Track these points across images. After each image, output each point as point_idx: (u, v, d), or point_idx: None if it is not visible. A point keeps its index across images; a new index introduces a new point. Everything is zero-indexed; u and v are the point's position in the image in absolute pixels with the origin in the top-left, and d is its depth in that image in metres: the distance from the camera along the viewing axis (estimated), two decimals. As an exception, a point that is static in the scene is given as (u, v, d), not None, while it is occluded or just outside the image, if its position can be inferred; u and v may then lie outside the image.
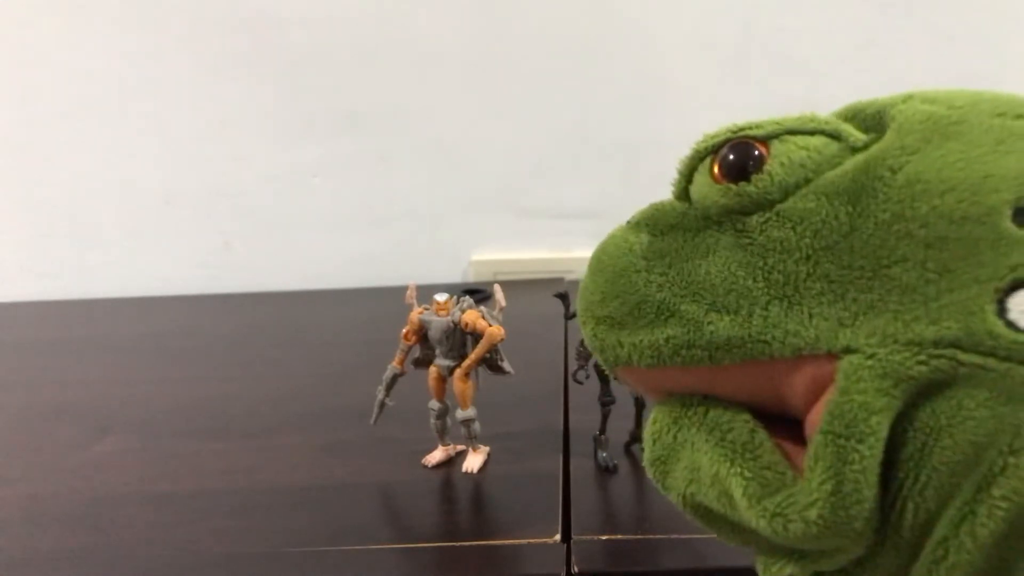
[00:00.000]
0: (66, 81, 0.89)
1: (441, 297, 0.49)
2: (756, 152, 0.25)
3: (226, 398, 0.65)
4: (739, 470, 0.24)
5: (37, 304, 0.94)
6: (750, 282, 0.25)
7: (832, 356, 0.23)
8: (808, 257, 0.24)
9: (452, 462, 0.52)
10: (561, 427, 0.55)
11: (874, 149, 0.24)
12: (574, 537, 0.43)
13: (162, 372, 0.72)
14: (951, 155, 0.22)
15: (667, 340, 0.26)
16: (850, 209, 0.23)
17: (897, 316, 0.22)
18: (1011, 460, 0.20)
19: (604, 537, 0.43)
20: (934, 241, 0.22)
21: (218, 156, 0.91)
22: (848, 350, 0.22)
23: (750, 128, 0.26)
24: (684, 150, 0.28)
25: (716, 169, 0.26)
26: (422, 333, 0.50)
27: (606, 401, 0.50)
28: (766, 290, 0.24)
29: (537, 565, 0.42)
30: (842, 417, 0.21)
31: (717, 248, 0.26)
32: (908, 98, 0.25)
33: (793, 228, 0.24)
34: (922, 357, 0.21)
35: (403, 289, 0.50)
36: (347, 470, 0.52)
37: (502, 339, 0.47)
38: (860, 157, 0.24)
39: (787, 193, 0.25)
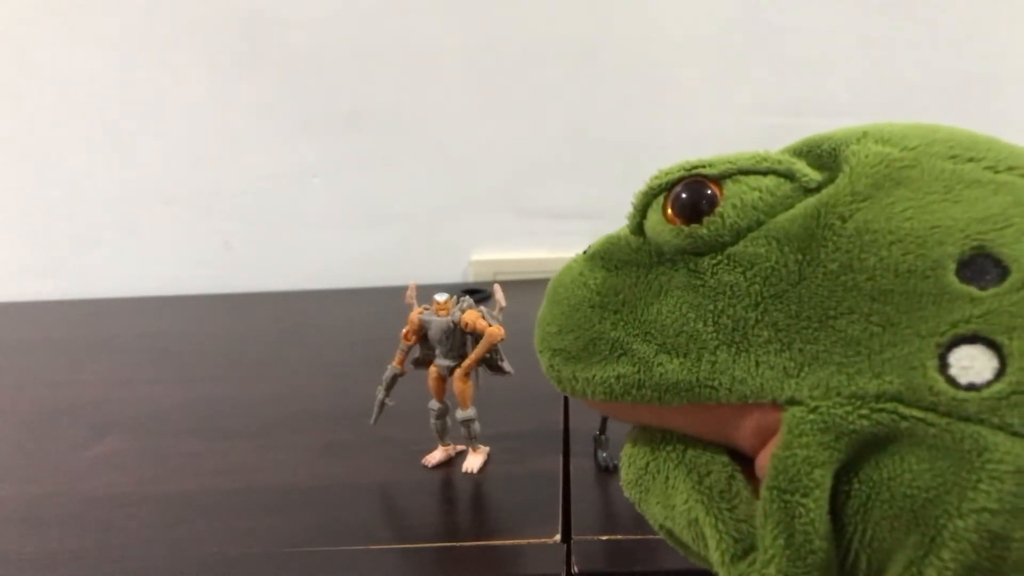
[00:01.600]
0: (66, 81, 0.89)
1: (441, 297, 0.49)
2: (709, 192, 0.25)
3: (226, 398, 0.65)
4: (714, 521, 0.24)
5: (37, 304, 0.94)
6: (700, 325, 0.25)
7: (777, 406, 0.23)
8: (757, 304, 0.24)
9: (452, 462, 0.52)
10: (561, 427, 0.55)
11: (825, 194, 0.24)
12: (574, 537, 0.43)
13: (162, 372, 0.72)
14: (900, 203, 0.22)
15: (618, 378, 0.26)
16: (799, 257, 0.23)
17: (841, 369, 0.22)
18: (959, 524, 0.20)
19: (604, 537, 0.43)
20: (879, 295, 0.22)
21: (218, 156, 0.91)
22: (792, 401, 0.22)
23: (703, 166, 0.25)
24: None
25: (669, 209, 0.26)
26: (422, 333, 0.50)
27: (606, 401, 0.50)
28: (715, 335, 0.24)
29: (537, 565, 0.42)
30: (786, 472, 0.22)
31: (670, 287, 0.26)
32: (862, 136, 0.25)
33: (743, 273, 0.24)
34: (864, 411, 0.21)
35: (403, 289, 0.50)
36: (347, 470, 0.52)
37: (502, 339, 0.47)
38: (811, 201, 0.24)
39: (739, 236, 0.25)
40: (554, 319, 0.29)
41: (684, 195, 0.25)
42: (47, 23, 0.87)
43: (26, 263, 0.96)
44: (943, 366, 0.20)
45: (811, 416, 0.22)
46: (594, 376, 0.27)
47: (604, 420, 0.50)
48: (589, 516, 0.45)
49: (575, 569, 0.41)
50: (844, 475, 0.22)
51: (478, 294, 0.82)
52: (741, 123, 0.86)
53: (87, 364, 0.76)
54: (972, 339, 0.20)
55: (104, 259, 0.96)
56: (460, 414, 0.49)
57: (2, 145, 0.92)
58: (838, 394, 0.22)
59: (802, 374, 0.23)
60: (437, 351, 0.49)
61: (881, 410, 0.21)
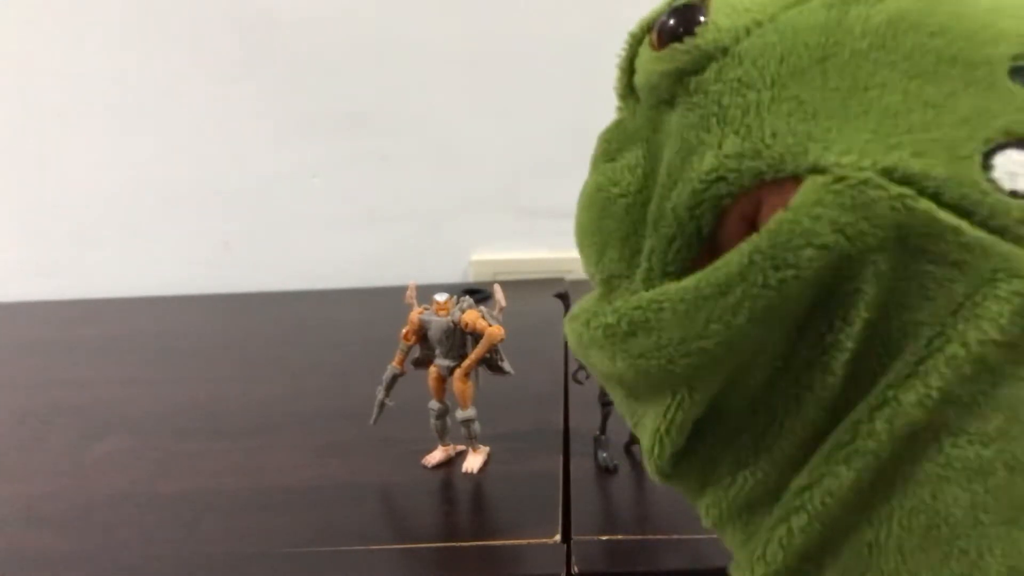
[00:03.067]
0: (66, 81, 0.89)
1: (441, 297, 0.49)
2: (692, 10, 0.22)
3: (226, 398, 0.65)
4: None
5: (37, 304, 0.94)
6: (703, 134, 0.21)
7: (798, 180, 0.19)
8: (773, 83, 0.20)
9: (452, 462, 0.52)
10: (561, 427, 0.55)
11: None
12: (574, 537, 0.43)
13: (162, 372, 0.72)
14: (944, 4, 0.20)
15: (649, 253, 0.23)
16: (821, 39, 0.20)
17: (878, 137, 0.18)
18: (957, 351, 0.18)
19: (604, 537, 0.43)
20: (919, 73, 0.19)
21: (218, 156, 0.91)
22: (816, 169, 0.19)
23: None
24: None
25: (656, 41, 0.23)
26: (422, 333, 0.50)
27: (606, 401, 0.50)
28: (720, 131, 0.21)
29: (537, 565, 0.42)
30: (773, 236, 0.18)
31: (672, 129, 0.23)
32: None
33: (753, 62, 0.21)
34: (898, 195, 0.18)
35: (403, 289, 0.50)
36: (347, 470, 0.52)
37: (502, 339, 0.47)
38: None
39: (738, 38, 0.21)
40: (592, 252, 0.25)
41: (670, 21, 0.22)
42: (47, 23, 0.87)
43: (26, 263, 0.96)
44: (987, 167, 0.18)
45: (835, 185, 0.18)
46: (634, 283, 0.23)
47: (604, 420, 0.50)
48: (589, 516, 0.45)
49: (575, 569, 0.41)
50: (855, 261, 0.18)
51: (478, 294, 0.82)
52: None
53: (87, 364, 0.76)
54: (1022, 144, 0.18)
55: (104, 259, 0.96)
56: (460, 414, 0.49)
57: (2, 145, 0.92)
58: (873, 165, 0.18)
59: (831, 137, 0.19)
60: (437, 351, 0.49)
61: (916, 203, 0.18)
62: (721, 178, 0.20)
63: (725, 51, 0.21)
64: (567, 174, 0.94)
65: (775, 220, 0.18)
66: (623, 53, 0.25)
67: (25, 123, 0.91)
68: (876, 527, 0.19)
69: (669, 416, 0.22)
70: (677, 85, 0.22)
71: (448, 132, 0.89)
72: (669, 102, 0.23)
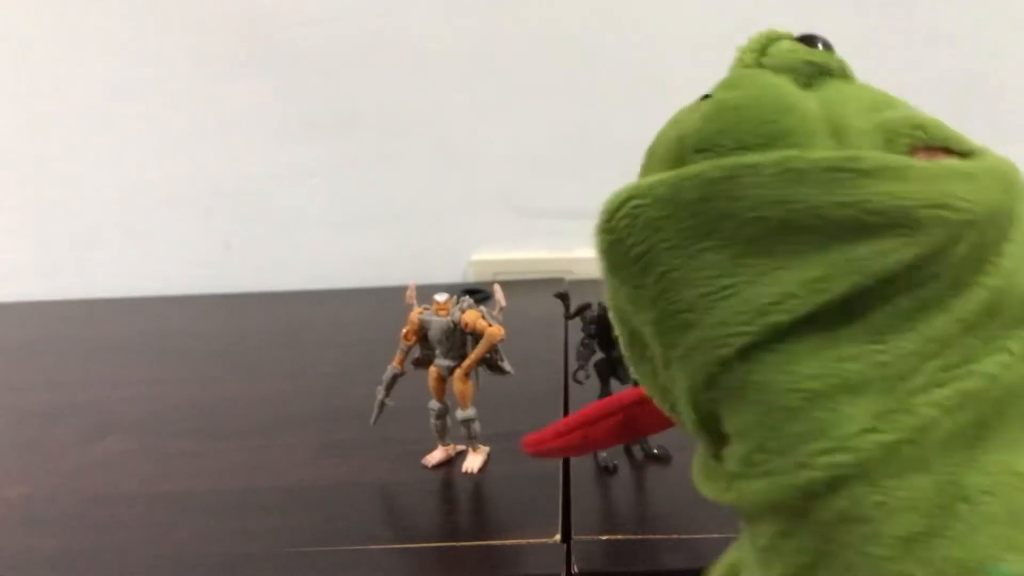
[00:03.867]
0: (66, 81, 0.89)
1: (441, 297, 0.49)
2: (827, 45, 0.29)
3: (226, 398, 0.65)
4: None
5: (37, 304, 0.94)
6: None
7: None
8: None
9: (452, 462, 0.52)
10: (561, 427, 0.55)
11: None
12: (574, 537, 0.43)
13: (162, 372, 0.72)
14: None
15: None
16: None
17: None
18: None
19: (604, 537, 0.43)
20: None
21: (218, 156, 0.91)
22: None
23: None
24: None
25: (816, 42, 0.29)
26: (422, 333, 0.50)
27: (606, 401, 0.50)
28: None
29: (537, 565, 0.42)
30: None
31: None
32: None
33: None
34: None
35: (403, 289, 0.50)
36: (347, 470, 0.52)
37: (502, 339, 0.47)
38: None
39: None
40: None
41: (808, 39, 0.30)
42: (47, 23, 0.87)
43: (26, 263, 0.96)
44: None
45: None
46: None
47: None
48: (589, 516, 0.45)
49: (575, 569, 0.41)
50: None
51: (478, 294, 0.82)
52: (741, 123, 0.86)
53: (87, 364, 0.76)
54: None
55: (104, 259, 0.96)
56: (460, 414, 0.49)
57: (2, 145, 0.92)
58: None
59: None
60: (437, 351, 0.49)
61: None
62: (921, 126, 0.25)
63: (853, 80, 0.29)
64: (567, 174, 0.95)
65: (989, 160, 0.24)
66: (755, 39, 0.31)
67: (25, 123, 0.91)
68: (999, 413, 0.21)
69: (833, 273, 0.22)
70: (819, 76, 0.29)
71: (448, 132, 0.89)
72: (805, 86, 0.27)
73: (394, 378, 0.51)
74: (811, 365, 0.21)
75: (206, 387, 0.67)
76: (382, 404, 0.51)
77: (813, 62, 0.27)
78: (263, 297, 0.93)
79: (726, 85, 0.27)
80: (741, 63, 0.29)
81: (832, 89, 0.26)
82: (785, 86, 0.26)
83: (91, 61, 0.88)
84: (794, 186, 0.22)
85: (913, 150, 0.24)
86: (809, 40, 0.28)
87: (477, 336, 0.47)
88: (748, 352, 0.22)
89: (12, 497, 0.51)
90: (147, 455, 0.56)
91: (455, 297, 0.49)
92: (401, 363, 0.51)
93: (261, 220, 0.94)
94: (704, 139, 0.25)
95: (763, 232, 0.22)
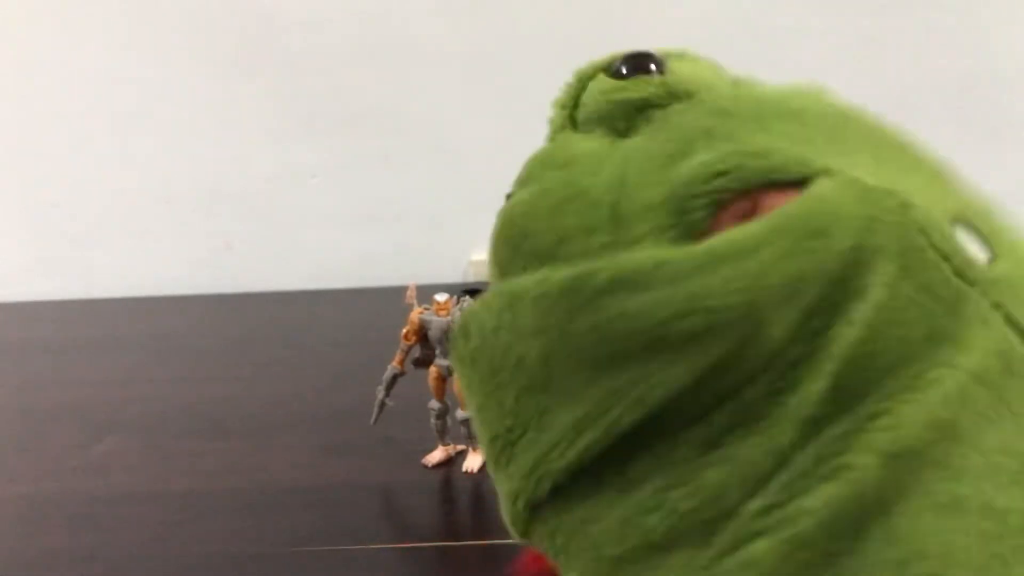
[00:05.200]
0: (66, 81, 0.89)
1: (441, 297, 0.49)
2: (655, 59, 0.22)
3: (226, 398, 0.65)
4: None
5: (37, 304, 0.94)
6: (685, 146, 0.20)
7: (803, 185, 0.18)
8: (753, 119, 0.20)
9: (452, 462, 0.52)
10: (561, 427, 0.55)
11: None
12: (574, 537, 0.43)
13: (162, 372, 0.72)
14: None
15: None
16: (790, 103, 0.22)
17: (870, 171, 0.19)
18: (947, 377, 0.17)
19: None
20: (883, 144, 0.21)
21: (218, 156, 0.91)
22: (827, 172, 0.18)
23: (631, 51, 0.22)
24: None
25: (624, 69, 0.22)
26: (422, 333, 0.50)
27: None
28: (709, 143, 0.20)
29: (537, 565, 0.42)
30: (806, 205, 0.18)
31: (628, 149, 0.22)
32: None
33: (733, 101, 0.22)
34: (902, 206, 0.18)
35: (403, 289, 0.50)
36: (347, 470, 0.52)
37: (502, 339, 0.47)
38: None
39: (708, 88, 0.22)
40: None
41: (637, 56, 0.22)
42: (47, 23, 0.87)
43: (26, 263, 0.96)
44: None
45: (852, 184, 0.18)
46: None
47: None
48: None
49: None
50: (864, 261, 0.18)
51: (478, 294, 0.82)
52: (741, 123, 0.86)
53: (87, 364, 0.76)
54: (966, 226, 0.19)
55: (104, 259, 0.96)
56: (460, 414, 0.49)
57: (2, 145, 0.92)
58: (876, 180, 0.18)
59: (829, 160, 0.19)
60: (437, 351, 0.49)
61: (916, 214, 0.18)
62: (723, 172, 0.19)
63: (691, 96, 0.21)
64: (567, 174, 0.94)
65: (800, 200, 0.18)
66: (566, 91, 0.24)
67: (25, 123, 0.91)
68: (847, 554, 0.16)
69: (597, 411, 0.18)
70: (638, 115, 0.22)
71: (448, 132, 0.89)
72: (623, 132, 0.22)
73: (394, 378, 0.51)
74: (608, 524, 0.18)
75: (206, 387, 0.67)
76: (382, 404, 0.51)
77: (628, 101, 0.22)
78: (263, 297, 0.93)
79: (519, 180, 0.24)
80: (552, 125, 0.25)
81: (639, 139, 0.21)
82: (578, 165, 0.22)
83: (91, 61, 0.88)
84: (545, 316, 0.19)
85: (724, 205, 0.19)
86: (637, 63, 0.22)
87: (477, 336, 0.47)
88: (540, 509, 0.19)
89: (12, 497, 0.51)
90: (147, 455, 0.56)
91: (455, 297, 0.49)
92: (401, 363, 0.51)
93: (261, 220, 0.94)
94: (495, 263, 0.23)
95: (533, 368, 0.19)
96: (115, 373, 0.73)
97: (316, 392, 0.65)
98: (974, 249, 0.18)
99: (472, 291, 0.53)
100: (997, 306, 0.18)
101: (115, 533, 0.47)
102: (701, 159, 0.19)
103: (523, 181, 0.24)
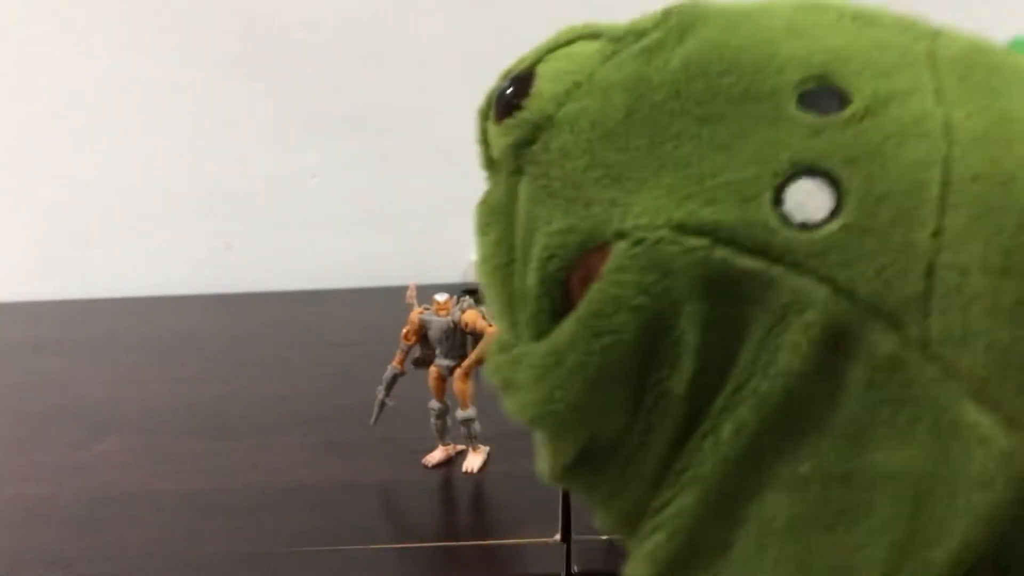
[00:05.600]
0: (66, 81, 0.89)
1: (441, 297, 0.49)
2: (522, 81, 0.23)
3: (226, 398, 0.65)
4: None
5: (37, 304, 0.94)
6: (540, 209, 0.22)
7: (608, 246, 0.20)
8: (586, 151, 0.22)
9: (452, 462, 0.52)
10: (561, 427, 0.55)
11: (652, 38, 0.22)
12: (574, 537, 0.43)
13: (162, 372, 0.72)
14: (735, 39, 0.21)
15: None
16: (625, 96, 0.22)
17: (671, 191, 0.20)
18: (763, 384, 0.19)
19: (604, 537, 0.43)
20: (709, 118, 0.20)
21: (218, 156, 0.91)
22: (619, 235, 0.20)
23: (514, 67, 0.25)
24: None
25: (495, 116, 0.24)
26: (422, 333, 0.50)
27: (606, 401, 0.49)
28: (550, 205, 0.22)
29: (537, 565, 0.42)
30: (592, 307, 0.20)
31: (521, 201, 0.24)
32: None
33: (571, 129, 0.22)
34: (693, 249, 0.19)
35: (403, 289, 0.50)
36: (347, 470, 0.52)
37: (502, 339, 0.47)
38: (636, 47, 0.22)
39: (560, 104, 0.23)
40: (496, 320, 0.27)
41: (505, 91, 0.24)
42: (47, 23, 0.87)
43: (26, 263, 0.96)
44: (778, 201, 0.19)
45: (634, 250, 0.20)
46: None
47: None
48: (589, 516, 0.45)
49: (575, 569, 0.41)
50: (666, 316, 0.20)
51: (478, 294, 0.82)
52: (741, 123, 0.86)
53: (87, 364, 0.76)
54: (811, 172, 0.19)
55: (104, 259, 0.96)
56: (460, 414, 0.49)
57: (2, 145, 0.92)
58: (667, 222, 0.19)
59: (632, 200, 0.20)
60: (437, 351, 0.49)
61: (711, 253, 0.19)
62: (553, 255, 0.21)
63: (550, 119, 0.22)
64: (567, 174, 0.94)
65: (590, 291, 0.20)
66: (477, 127, 0.26)
67: (25, 123, 0.91)
68: (721, 538, 0.21)
69: (549, 451, 0.24)
70: (519, 157, 0.23)
71: (448, 132, 0.89)
72: (518, 172, 0.24)
73: (394, 378, 0.51)
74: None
75: (206, 387, 0.67)
76: (382, 404, 0.51)
77: (506, 147, 0.24)
78: (263, 297, 0.93)
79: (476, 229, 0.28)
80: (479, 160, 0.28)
81: (521, 211, 0.24)
82: (488, 234, 0.26)
83: (91, 60, 0.88)
84: None
85: (567, 277, 0.22)
86: (504, 101, 0.24)
87: (477, 336, 0.47)
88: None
89: (12, 497, 0.51)
90: (147, 455, 0.56)
91: (455, 297, 0.49)
92: (401, 363, 0.51)
93: (261, 220, 0.94)
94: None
95: None
96: (115, 373, 0.72)
97: (316, 392, 0.65)
98: (813, 204, 0.19)
99: (472, 291, 0.53)
100: (824, 280, 0.18)
101: (115, 533, 0.47)
102: (537, 247, 0.22)
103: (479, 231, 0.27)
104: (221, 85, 0.88)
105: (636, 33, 0.23)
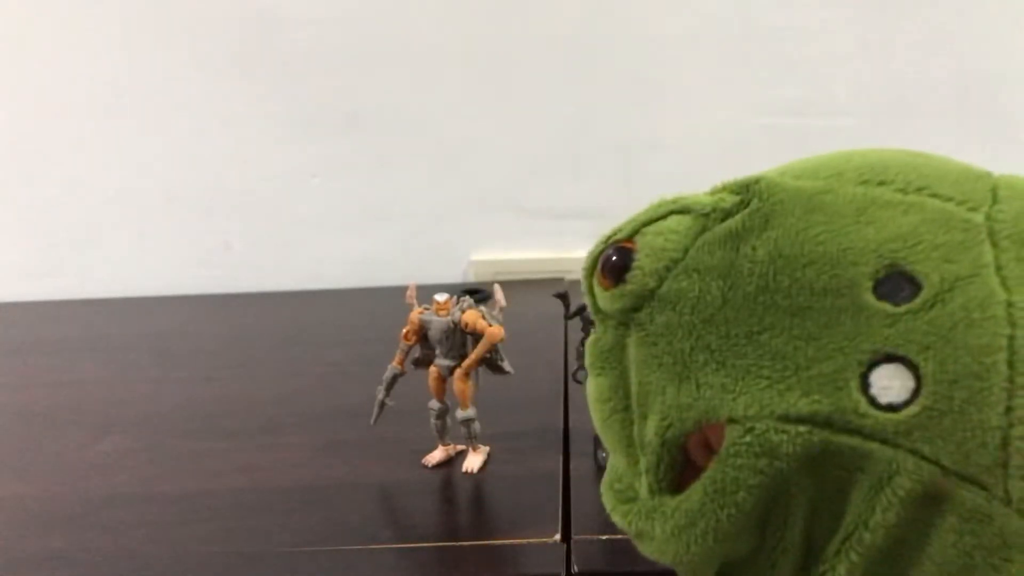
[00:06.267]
0: (66, 81, 0.89)
1: (441, 297, 0.49)
2: (624, 253, 0.27)
3: (226, 398, 0.65)
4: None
5: (37, 304, 0.94)
6: (652, 375, 0.27)
7: (723, 424, 0.25)
8: (690, 332, 0.25)
9: (452, 462, 0.52)
10: (561, 427, 0.55)
11: (736, 221, 0.25)
12: (574, 537, 0.43)
13: (162, 372, 0.72)
14: (813, 228, 0.24)
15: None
16: (720, 283, 0.25)
17: (772, 384, 0.23)
18: (866, 535, 0.22)
19: (604, 537, 0.43)
20: (797, 311, 0.23)
21: (218, 156, 0.91)
22: (732, 420, 0.24)
23: (614, 234, 0.28)
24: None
25: (603, 280, 0.28)
26: (422, 333, 0.50)
27: (606, 401, 0.50)
28: (661, 376, 0.26)
29: (537, 565, 0.42)
30: (715, 484, 0.24)
31: (632, 355, 0.28)
32: (778, 174, 0.26)
33: (673, 308, 0.26)
34: (797, 438, 0.23)
35: (403, 289, 0.50)
36: (347, 470, 0.52)
37: (502, 339, 0.47)
38: (722, 229, 0.25)
39: (661, 279, 0.26)
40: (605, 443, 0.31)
41: (605, 261, 0.28)
42: (47, 23, 0.87)
43: (26, 263, 0.96)
44: (865, 386, 0.22)
45: (746, 438, 0.24)
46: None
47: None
48: (589, 516, 0.45)
49: (575, 569, 0.41)
50: (780, 484, 0.24)
51: (478, 294, 0.82)
52: (741, 123, 0.86)
53: (87, 364, 0.76)
54: (891, 358, 0.22)
55: (104, 259, 0.96)
56: (460, 414, 0.49)
57: (2, 145, 0.92)
58: (771, 413, 0.23)
59: (738, 388, 0.24)
60: (437, 351, 0.49)
61: (812, 436, 0.23)
62: (671, 425, 0.26)
63: (652, 293, 0.26)
64: (567, 174, 0.95)
65: (712, 469, 0.24)
66: (584, 281, 0.29)
67: (25, 123, 0.91)
68: None
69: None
70: (627, 319, 0.28)
71: (448, 132, 0.89)
72: (626, 326, 0.28)
73: (394, 378, 0.51)
74: None
75: (206, 387, 0.67)
76: (382, 404, 0.51)
77: (614, 312, 0.29)
78: (263, 297, 0.93)
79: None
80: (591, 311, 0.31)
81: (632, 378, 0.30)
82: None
83: (91, 61, 0.88)
84: None
85: (684, 444, 0.26)
86: (611, 270, 0.28)
87: (477, 336, 0.47)
88: None
89: (12, 497, 0.51)
90: (148, 455, 0.56)
91: (455, 297, 0.49)
92: (401, 363, 0.51)
93: (261, 220, 0.94)
94: None
95: None
96: (115, 373, 0.73)
97: (316, 392, 0.65)
98: (896, 387, 0.22)
99: (472, 291, 0.53)
100: (912, 452, 0.22)
101: (115, 533, 0.47)
102: (655, 414, 0.26)
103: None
104: (221, 85, 0.88)
105: (722, 212, 0.26)
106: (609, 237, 0.28)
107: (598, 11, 0.85)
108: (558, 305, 0.51)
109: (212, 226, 0.94)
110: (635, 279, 0.27)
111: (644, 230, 0.27)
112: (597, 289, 0.28)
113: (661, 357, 0.26)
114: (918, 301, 0.22)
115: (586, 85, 0.87)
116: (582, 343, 0.49)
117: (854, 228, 0.23)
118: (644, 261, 0.26)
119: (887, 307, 0.22)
